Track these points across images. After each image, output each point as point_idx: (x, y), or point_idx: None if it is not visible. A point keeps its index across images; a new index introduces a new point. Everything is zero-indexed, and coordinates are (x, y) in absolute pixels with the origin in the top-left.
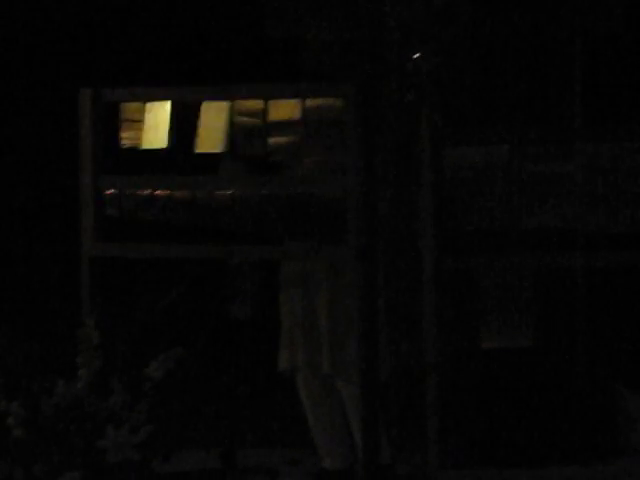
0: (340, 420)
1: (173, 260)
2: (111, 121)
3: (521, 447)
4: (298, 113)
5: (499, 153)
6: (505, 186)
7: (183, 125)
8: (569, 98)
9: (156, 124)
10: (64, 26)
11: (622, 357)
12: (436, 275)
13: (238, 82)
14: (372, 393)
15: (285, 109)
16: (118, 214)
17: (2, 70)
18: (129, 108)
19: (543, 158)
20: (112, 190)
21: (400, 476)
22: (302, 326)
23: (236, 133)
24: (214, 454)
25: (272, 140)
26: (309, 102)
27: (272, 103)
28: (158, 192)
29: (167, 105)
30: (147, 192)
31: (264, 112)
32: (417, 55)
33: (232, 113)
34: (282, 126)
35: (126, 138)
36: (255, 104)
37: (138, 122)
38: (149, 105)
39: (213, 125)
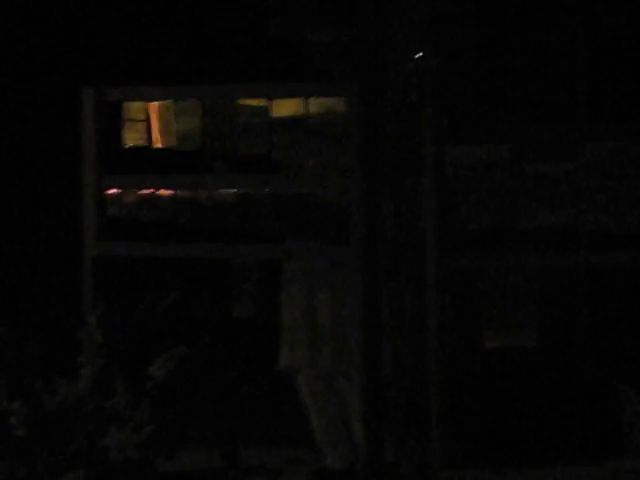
0: (341, 419)
1: (175, 259)
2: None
3: (523, 447)
4: (301, 112)
5: (501, 153)
6: (508, 186)
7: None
8: (571, 98)
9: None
10: (66, 26)
11: (626, 357)
12: (438, 275)
13: (241, 81)
14: (374, 392)
15: (288, 108)
16: (120, 213)
17: (5, 70)
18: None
19: (546, 157)
20: (114, 190)
21: (401, 475)
22: (303, 325)
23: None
24: (216, 453)
25: (274, 139)
26: (312, 102)
27: (274, 102)
28: (160, 191)
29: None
30: (149, 192)
31: (267, 111)
32: (419, 55)
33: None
34: (284, 125)
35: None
36: (257, 103)
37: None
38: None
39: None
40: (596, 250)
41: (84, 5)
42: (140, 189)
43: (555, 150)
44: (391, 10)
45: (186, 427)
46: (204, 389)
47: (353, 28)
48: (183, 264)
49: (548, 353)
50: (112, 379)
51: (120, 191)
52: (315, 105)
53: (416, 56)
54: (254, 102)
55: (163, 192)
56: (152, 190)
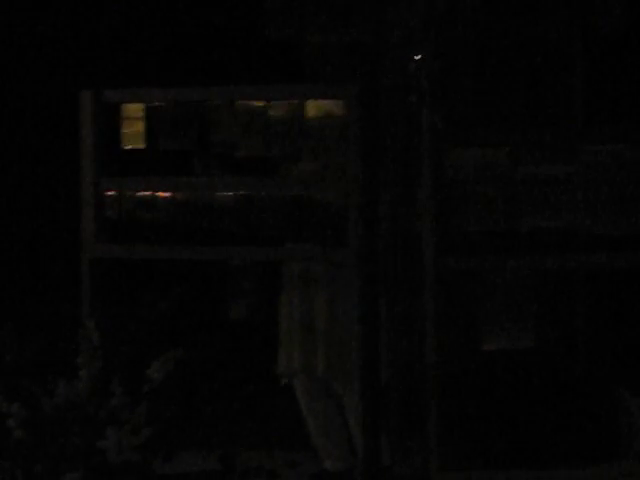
0: (339, 422)
1: (173, 261)
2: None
3: (521, 449)
4: (299, 114)
5: (500, 155)
6: (506, 187)
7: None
8: (570, 99)
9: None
10: (65, 27)
11: (623, 359)
12: (436, 277)
13: (240, 83)
14: (372, 395)
15: (286, 110)
16: (118, 216)
17: (3, 72)
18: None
19: (544, 160)
20: (112, 191)
21: (400, 478)
22: (300, 328)
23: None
24: (214, 455)
25: (272, 141)
26: (310, 103)
27: (273, 104)
28: (159, 193)
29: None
30: (147, 193)
31: (265, 113)
32: (418, 57)
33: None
34: (282, 127)
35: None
36: (256, 104)
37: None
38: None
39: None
40: (594, 252)
41: (82, 6)
42: (139, 191)
43: (554, 152)
44: (390, 12)
45: (184, 429)
46: (202, 391)
47: (352, 30)
48: (181, 266)
49: (546, 354)
50: (110, 381)
51: (118, 193)
52: (313, 107)
53: (415, 58)
54: (252, 104)
55: (162, 194)
56: (151, 192)
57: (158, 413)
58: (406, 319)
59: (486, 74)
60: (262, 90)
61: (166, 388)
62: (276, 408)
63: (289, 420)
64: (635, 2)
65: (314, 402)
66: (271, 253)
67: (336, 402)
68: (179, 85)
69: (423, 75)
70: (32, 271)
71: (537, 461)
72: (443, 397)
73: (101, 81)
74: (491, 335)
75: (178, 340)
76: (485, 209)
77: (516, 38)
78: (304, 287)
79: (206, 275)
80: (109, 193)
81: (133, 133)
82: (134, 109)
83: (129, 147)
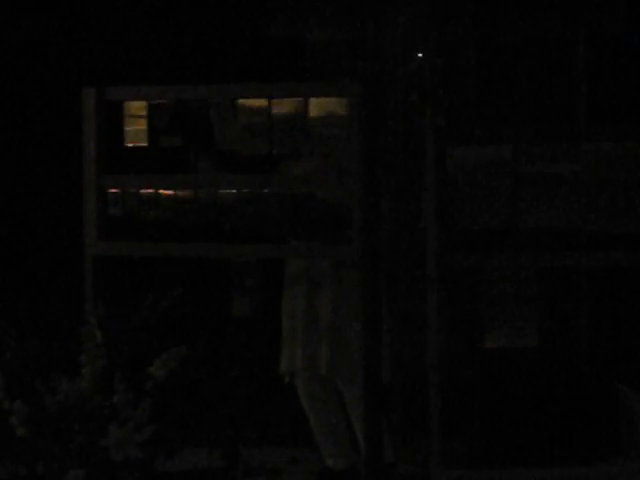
0: (342, 420)
1: (176, 259)
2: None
3: (523, 447)
4: (301, 113)
5: (502, 153)
6: (509, 186)
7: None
8: (572, 98)
9: None
10: (67, 25)
11: (626, 357)
12: (439, 275)
13: (242, 81)
14: (375, 393)
15: (289, 109)
16: (121, 213)
17: (6, 70)
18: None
19: (546, 158)
20: (115, 189)
21: (402, 475)
22: (303, 326)
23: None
24: (216, 453)
25: (275, 139)
26: (313, 102)
27: (275, 102)
28: (161, 191)
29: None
30: (150, 191)
31: (267, 111)
32: (420, 55)
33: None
34: (285, 125)
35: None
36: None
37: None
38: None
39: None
40: (596, 250)
41: (85, 5)
42: (141, 189)
43: (556, 151)
44: (392, 10)
45: (186, 427)
46: (204, 389)
47: (354, 28)
48: (184, 264)
49: (548, 353)
50: (113, 378)
51: (121, 190)
52: (316, 105)
53: (417, 56)
54: (255, 102)
55: (164, 192)
56: (153, 190)
57: (161, 410)
58: (409, 317)
59: (488, 73)
60: (264, 88)
61: (169, 385)
62: (279, 405)
63: (292, 418)
64: (637, 2)
65: (317, 400)
66: (275, 251)
67: (339, 400)
68: (182, 83)
69: (425, 73)
70: (35, 268)
71: (539, 459)
72: (445, 395)
73: (104, 79)
74: (493, 333)
75: (181, 338)
76: (487, 207)
77: (518, 36)
78: (307, 285)
79: (209, 272)
80: (112, 191)
81: (135, 131)
82: (137, 107)
83: (131, 145)
